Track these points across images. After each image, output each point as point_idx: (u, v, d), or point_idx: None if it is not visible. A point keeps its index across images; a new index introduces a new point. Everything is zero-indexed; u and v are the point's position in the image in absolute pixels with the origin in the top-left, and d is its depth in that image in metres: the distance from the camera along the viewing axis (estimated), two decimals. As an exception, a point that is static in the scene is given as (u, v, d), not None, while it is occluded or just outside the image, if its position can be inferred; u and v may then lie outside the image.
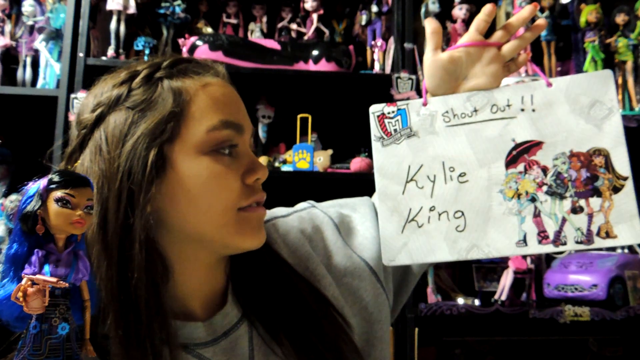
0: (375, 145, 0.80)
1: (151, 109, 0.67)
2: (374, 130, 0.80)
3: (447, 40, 2.02)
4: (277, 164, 1.93)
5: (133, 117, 0.67)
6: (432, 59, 0.78)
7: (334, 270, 0.81)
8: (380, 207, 0.76)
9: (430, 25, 0.79)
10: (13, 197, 1.76)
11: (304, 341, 0.72)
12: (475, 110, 0.73)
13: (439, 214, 0.73)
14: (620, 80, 2.02)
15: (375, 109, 0.82)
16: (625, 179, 0.67)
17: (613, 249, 1.91)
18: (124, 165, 0.65)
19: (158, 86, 0.69)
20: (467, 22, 2.01)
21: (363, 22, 2.06)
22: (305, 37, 2.07)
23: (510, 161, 0.71)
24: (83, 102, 0.72)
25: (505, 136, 0.71)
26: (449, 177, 0.73)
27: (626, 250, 1.90)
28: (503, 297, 1.79)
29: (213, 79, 0.72)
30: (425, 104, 0.77)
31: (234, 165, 0.69)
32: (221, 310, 0.73)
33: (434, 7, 1.96)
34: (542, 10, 2.03)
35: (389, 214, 0.76)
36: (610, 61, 2.04)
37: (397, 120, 0.78)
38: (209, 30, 2.08)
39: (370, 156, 1.94)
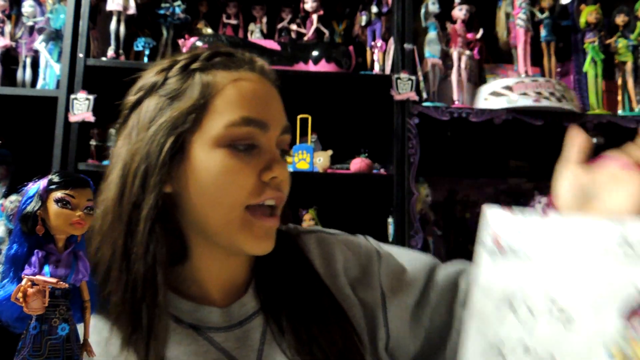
0: (484, 257, 0.63)
1: (178, 99, 0.69)
2: (486, 238, 0.62)
3: (447, 41, 2.02)
4: (277, 165, 1.93)
5: (162, 105, 0.70)
6: (573, 174, 0.66)
7: (360, 297, 0.81)
8: (469, 323, 0.63)
9: (578, 139, 0.68)
10: (13, 197, 1.76)
11: (313, 347, 0.72)
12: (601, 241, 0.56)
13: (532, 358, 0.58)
14: (620, 81, 2.02)
15: (494, 214, 0.63)
16: None
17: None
18: (143, 148, 0.68)
19: (190, 77, 0.71)
20: (467, 23, 2.01)
21: (363, 23, 2.06)
22: (305, 38, 2.07)
23: (629, 316, 0.53)
24: (135, 84, 0.76)
25: (628, 282, 0.53)
26: (555, 318, 0.57)
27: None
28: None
29: (248, 74, 0.72)
30: (549, 220, 0.59)
31: (251, 161, 0.69)
32: (240, 300, 0.75)
33: (434, 7, 1.96)
34: (541, 10, 2.03)
35: (476, 333, 0.63)
36: (610, 62, 2.04)
37: (514, 234, 0.62)
38: (209, 30, 2.08)
39: (369, 156, 1.95)
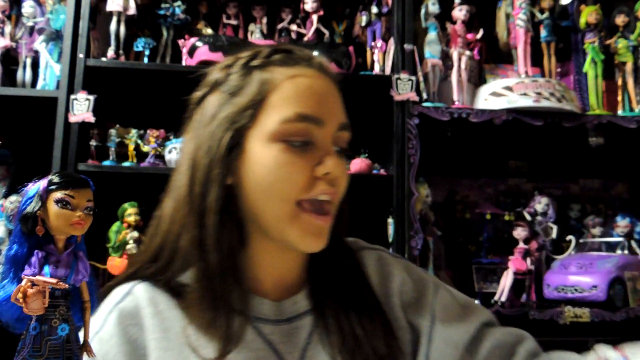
0: None
1: (238, 95, 0.72)
2: None
3: (447, 41, 2.02)
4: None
5: (223, 101, 0.73)
6: None
7: (410, 321, 0.82)
8: None
9: None
10: (13, 198, 1.76)
11: (357, 355, 0.74)
12: None
13: None
14: (620, 82, 2.02)
15: None
16: None
17: (613, 249, 1.91)
18: (206, 142, 0.72)
19: (249, 74, 0.73)
20: (467, 23, 2.01)
21: (363, 23, 2.06)
22: (305, 38, 2.07)
23: None
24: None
25: None
26: None
27: (626, 252, 1.90)
28: (503, 298, 1.79)
29: (305, 70, 0.73)
30: None
31: (305, 156, 0.70)
32: (293, 297, 0.77)
33: (434, 8, 1.96)
34: (541, 11, 2.03)
35: None
36: (610, 62, 2.04)
37: None
38: (209, 31, 2.08)
39: (369, 157, 1.94)
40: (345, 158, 0.74)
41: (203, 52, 1.89)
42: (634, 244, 1.93)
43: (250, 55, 0.75)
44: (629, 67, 2.00)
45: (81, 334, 0.59)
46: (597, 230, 2.00)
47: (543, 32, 2.02)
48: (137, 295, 0.73)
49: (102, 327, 0.71)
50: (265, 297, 0.76)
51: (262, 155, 0.70)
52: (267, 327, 0.74)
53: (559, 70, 2.09)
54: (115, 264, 1.73)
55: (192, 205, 0.71)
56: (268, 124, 0.70)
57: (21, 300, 0.52)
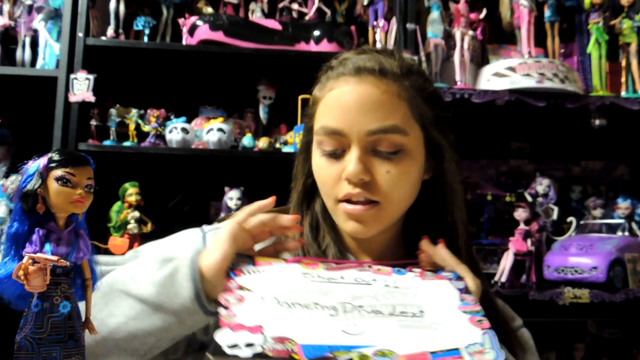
0: None
1: (311, 107, 0.89)
2: None
3: (449, 21, 2.00)
4: (278, 145, 1.93)
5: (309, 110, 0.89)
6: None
7: None
8: None
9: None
10: (13, 177, 1.76)
11: None
12: None
13: None
14: (624, 63, 2.00)
15: None
16: None
17: (614, 231, 1.91)
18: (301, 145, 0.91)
19: (316, 87, 0.88)
20: (470, 3, 1.99)
21: (365, 3, 2.04)
22: (307, 18, 2.05)
23: None
24: None
25: None
26: None
27: (627, 233, 1.90)
28: (503, 279, 1.79)
29: (347, 81, 0.82)
30: None
31: (335, 162, 0.82)
32: None
33: (436, -13, 1.94)
34: (546, -10, 2.00)
35: None
36: (614, 43, 2.02)
37: None
38: (209, 10, 2.06)
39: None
40: (392, 158, 0.80)
41: (203, 31, 1.88)
42: (634, 225, 1.93)
43: (325, 65, 0.88)
44: (633, 48, 1.98)
45: (82, 310, 0.59)
46: (598, 212, 2.00)
47: (547, 12, 1.99)
48: None
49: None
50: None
51: (313, 160, 0.86)
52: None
53: (562, 50, 2.07)
54: (117, 243, 1.74)
55: (302, 186, 0.91)
56: (314, 134, 0.85)
57: (22, 277, 0.52)
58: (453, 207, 0.87)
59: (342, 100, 0.81)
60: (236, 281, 0.70)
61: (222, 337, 0.59)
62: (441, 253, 0.79)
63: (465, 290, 0.74)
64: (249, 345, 0.58)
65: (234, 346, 0.58)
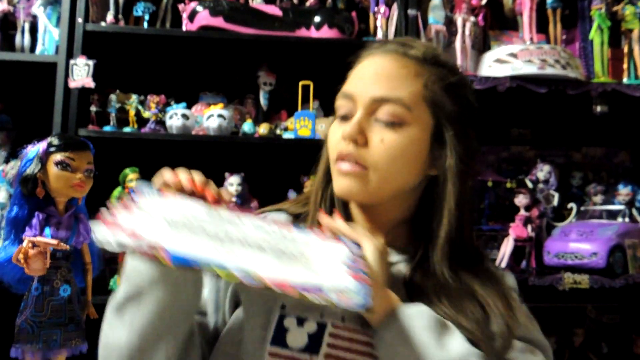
0: None
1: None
2: None
3: (451, 7, 1.98)
4: (278, 132, 1.92)
5: None
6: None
7: None
8: None
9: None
10: (13, 162, 1.75)
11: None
12: None
13: None
14: (626, 49, 1.99)
15: None
16: None
17: (614, 217, 1.91)
18: None
19: None
20: (471, -12, 1.97)
21: (366, -12, 2.03)
22: (307, 3, 2.04)
23: None
24: None
25: None
26: None
27: (627, 220, 1.90)
28: (503, 265, 1.80)
29: (375, 54, 0.86)
30: None
31: (342, 125, 0.83)
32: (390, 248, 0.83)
33: (438, -28, 1.92)
34: (548, -24, 1.99)
35: None
36: (616, 29, 2.01)
37: None
38: (210, -5, 2.05)
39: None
40: (389, 129, 0.81)
41: (203, 17, 1.87)
42: (634, 212, 1.93)
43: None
44: (635, 34, 1.97)
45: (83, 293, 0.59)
46: (598, 198, 2.00)
47: (549, -1, 1.98)
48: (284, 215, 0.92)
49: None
50: None
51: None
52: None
53: (564, 37, 2.06)
54: (118, 229, 1.74)
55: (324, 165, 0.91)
56: None
57: (22, 261, 0.52)
58: (439, 215, 0.83)
59: (362, 69, 0.86)
60: (133, 198, 0.68)
61: (100, 232, 0.58)
62: (335, 225, 0.79)
63: (359, 255, 0.73)
64: (121, 244, 0.57)
65: (106, 242, 0.57)
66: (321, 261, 0.68)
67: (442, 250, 0.81)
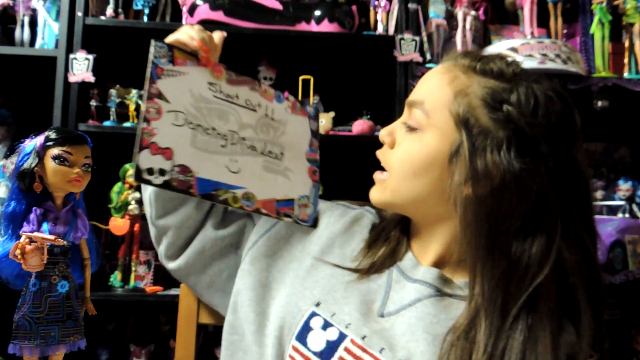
0: None
1: None
2: None
3: (452, 1, 1.98)
4: (278, 127, 1.92)
5: None
6: None
7: None
8: None
9: None
10: (13, 158, 1.75)
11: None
12: None
13: None
14: (627, 43, 1.98)
15: None
16: None
17: (615, 213, 1.91)
18: None
19: None
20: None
21: (366, -18, 2.02)
22: (308, -3, 2.03)
23: None
24: None
25: None
26: None
27: (627, 215, 1.90)
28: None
29: (443, 64, 0.84)
30: None
31: None
32: (429, 267, 0.80)
33: (439, -34, 1.91)
34: (549, -30, 1.98)
35: None
36: (617, 23, 2.00)
37: None
38: (210, -11, 2.04)
39: (371, 118, 1.93)
40: (407, 133, 0.80)
41: (203, 11, 1.86)
42: (635, 207, 1.93)
43: None
44: (636, 28, 1.96)
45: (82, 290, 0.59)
46: (598, 194, 2.00)
47: (549, -8, 1.97)
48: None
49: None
50: (416, 258, 0.82)
51: None
52: (396, 274, 0.81)
53: (565, 31, 2.05)
54: (118, 224, 1.74)
55: None
56: None
57: (20, 256, 0.52)
58: (471, 238, 0.72)
59: (423, 78, 0.85)
60: (158, 86, 0.80)
61: (143, 159, 0.66)
62: None
63: (315, 133, 0.92)
64: (161, 171, 0.67)
65: (150, 170, 0.66)
66: (292, 156, 0.87)
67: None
